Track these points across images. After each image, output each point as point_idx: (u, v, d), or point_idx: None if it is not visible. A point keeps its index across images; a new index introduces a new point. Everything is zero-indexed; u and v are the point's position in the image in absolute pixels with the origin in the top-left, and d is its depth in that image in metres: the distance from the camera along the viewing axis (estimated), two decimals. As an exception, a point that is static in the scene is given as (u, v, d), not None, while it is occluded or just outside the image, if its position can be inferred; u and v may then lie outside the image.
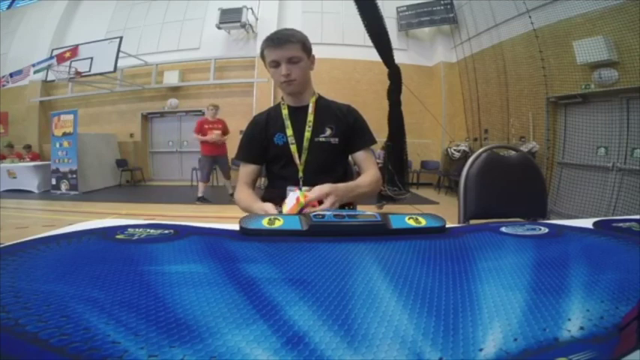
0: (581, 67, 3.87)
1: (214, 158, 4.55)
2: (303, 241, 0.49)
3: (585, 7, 3.78)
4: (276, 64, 0.98)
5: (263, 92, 6.49)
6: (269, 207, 0.89)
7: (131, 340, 0.23)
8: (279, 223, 0.55)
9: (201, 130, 4.48)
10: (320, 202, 0.85)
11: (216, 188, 6.55)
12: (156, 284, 0.33)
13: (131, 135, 7.37)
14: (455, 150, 5.87)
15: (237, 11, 6.62)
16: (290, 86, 1.01)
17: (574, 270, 0.37)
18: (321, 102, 1.09)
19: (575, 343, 0.24)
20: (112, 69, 6.16)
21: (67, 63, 6.19)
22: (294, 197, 0.80)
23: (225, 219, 0.74)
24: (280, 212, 0.82)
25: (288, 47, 0.96)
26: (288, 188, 0.93)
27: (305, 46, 1.00)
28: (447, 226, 0.57)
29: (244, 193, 1.04)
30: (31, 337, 0.23)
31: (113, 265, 0.37)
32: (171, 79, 7.02)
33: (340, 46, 6.78)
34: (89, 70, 6.20)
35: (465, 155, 5.51)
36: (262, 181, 1.28)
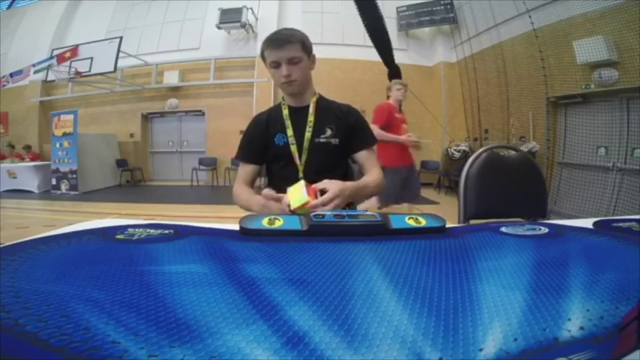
0: (581, 67, 3.87)
1: (408, 171, 2.61)
2: (303, 241, 0.49)
3: (585, 7, 3.78)
4: (276, 65, 0.98)
5: (263, 92, 6.49)
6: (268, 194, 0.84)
7: (131, 340, 0.23)
8: (279, 223, 0.55)
9: (388, 121, 2.45)
10: (323, 192, 0.84)
11: (216, 188, 6.56)
12: (156, 284, 0.33)
13: (131, 135, 7.38)
14: (455, 150, 5.87)
15: (237, 11, 6.62)
16: (290, 87, 1.00)
17: (574, 270, 0.37)
18: (321, 102, 1.09)
19: (575, 343, 0.24)
20: (112, 69, 6.16)
21: (67, 63, 6.20)
22: (302, 186, 0.79)
23: (225, 219, 0.74)
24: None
25: (288, 48, 0.96)
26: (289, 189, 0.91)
27: (305, 45, 0.99)
28: (447, 226, 0.57)
29: (241, 190, 1.03)
30: (31, 337, 0.23)
31: (113, 265, 0.37)
32: (171, 79, 7.03)
33: (340, 46, 6.78)
34: (89, 70, 6.21)
35: (465, 155, 5.52)
36: (262, 181, 1.28)
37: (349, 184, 0.88)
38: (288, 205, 0.78)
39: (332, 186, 0.82)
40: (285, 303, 0.29)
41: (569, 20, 3.99)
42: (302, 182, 0.81)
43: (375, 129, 2.29)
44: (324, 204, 0.78)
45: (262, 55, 1.01)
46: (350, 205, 1.09)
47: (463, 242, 0.49)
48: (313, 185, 0.83)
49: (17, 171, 6.12)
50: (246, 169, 1.08)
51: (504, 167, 1.18)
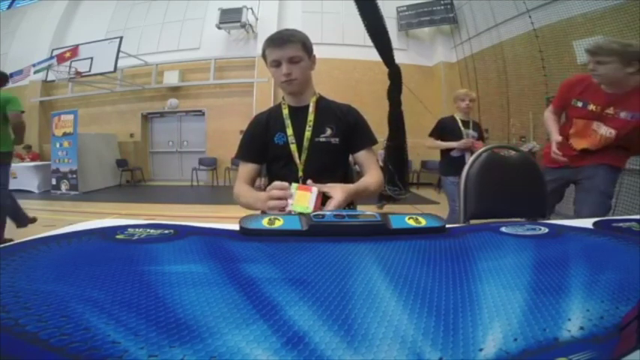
0: (581, 67, 3.86)
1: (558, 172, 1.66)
2: (303, 241, 0.49)
3: (585, 7, 3.78)
4: (277, 64, 0.99)
5: (263, 92, 6.50)
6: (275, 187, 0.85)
7: (131, 340, 0.23)
8: (279, 223, 0.55)
9: (565, 104, 1.63)
10: (324, 198, 0.85)
11: (216, 188, 6.56)
12: (156, 284, 0.33)
13: (131, 135, 7.38)
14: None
15: (237, 11, 6.63)
16: (290, 86, 1.01)
17: (574, 270, 0.37)
18: (321, 102, 1.09)
19: (575, 343, 0.24)
20: (112, 69, 6.18)
21: (67, 63, 6.21)
22: (313, 197, 0.80)
23: (225, 219, 0.74)
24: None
25: (289, 47, 0.97)
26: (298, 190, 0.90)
27: (305, 45, 1.00)
28: (447, 226, 0.57)
29: (243, 189, 1.03)
30: (31, 337, 0.23)
31: (113, 265, 0.37)
32: (171, 79, 7.04)
33: (340, 46, 6.79)
34: (89, 70, 6.22)
35: (465, 155, 5.51)
36: (263, 181, 1.28)
37: (351, 187, 0.90)
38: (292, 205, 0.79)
39: (336, 195, 0.83)
40: (285, 303, 0.29)
41: (569, 20, 4.00)
42: (315, 192, 0.82)
43: (545, 113, 1.70)
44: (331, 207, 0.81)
45: (264, 55, 1.02)
46: (350, 204, 1.09)
47: (463, 242, 0.49)
48: (319, 187, 0.84)
49: (17, 171, 6.11)
50: (246, 169, 1.08)
51: (504, 167, 1.18)
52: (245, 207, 1.01)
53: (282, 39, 0.97)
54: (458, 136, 2.40)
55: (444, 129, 2.48)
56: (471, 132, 2.44)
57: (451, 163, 2.41)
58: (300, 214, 0.60)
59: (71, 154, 5.90)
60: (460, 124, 2.44)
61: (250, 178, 1.08)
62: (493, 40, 5.42)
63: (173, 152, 7.66)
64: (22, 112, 2.64)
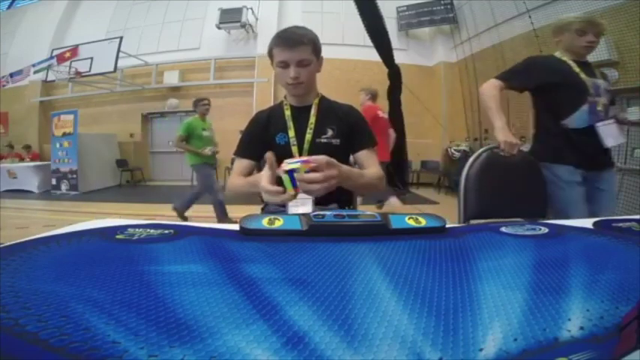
0: (581, 67, 3.86)
1: None
2: (303, 241, 0.49)
3: (585, 7, 3.78)
4: (284, 65, 0.95)
5: (263, 92, 6.49)
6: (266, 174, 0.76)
7: (131, 340, 0.23)
8: (279, 223, 0.55)
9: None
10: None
11: (216, 188, 6.55)
12: (156, 284, 0.33)
13: (131, 135, 7.38)
14: (455, 150, 5.87)
15: (237, 11, 6.62)
16: (296, 89, 0.99)
17: (574, 270, 0.37)
18: (323, 103, 1.08)
19: (575, 343, 0.24)
20: (112, 69, 6.16)
21: (67, 63, 6.20)
22: (297, 158, 0.77)
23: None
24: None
25: (300, 49, 0.93)
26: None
27: (315, 47, 0.97)
28: (447, 226, 0.57)
29: (237, 179, 1.00)
30: (31, 337, 0.23)
31: (113, 265, 0.37)
32: (171, 79, 7.03)
33: (340, 46, 6.78)
34: (89, 70, 6.21)
35: (465, 155, 5.51)
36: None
37: (343, 166, 0.79)
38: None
39: (320, 157, 0.71)
40: (285, 303, 0.29)
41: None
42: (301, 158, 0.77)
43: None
44: (316, 163, 0.69)
45: (270, 53, 0.98)
46: (350, 204, 1.09)
47: (463, 242, 0.49)
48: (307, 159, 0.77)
49: (17, 171, 6.12)
50: (242, 164, 1.06)
51: (504, 167, 1.18)
52: (242, 194, 0.97)
53: (294, 40, 0.92)
54: (579, 91, 1.25)
55: (545, 74, 1.31)
56: (601, 83, 1.30)
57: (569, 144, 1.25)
58: (301, 214, 0.60)
59: (71, 154, 5.89)
60: (577, 70, 1.28)
61: (246, 174, 1.06)
62: (493, 40, 5.42)
63: (173, 152, 7.65)
64: (180, 135, 3.49)
